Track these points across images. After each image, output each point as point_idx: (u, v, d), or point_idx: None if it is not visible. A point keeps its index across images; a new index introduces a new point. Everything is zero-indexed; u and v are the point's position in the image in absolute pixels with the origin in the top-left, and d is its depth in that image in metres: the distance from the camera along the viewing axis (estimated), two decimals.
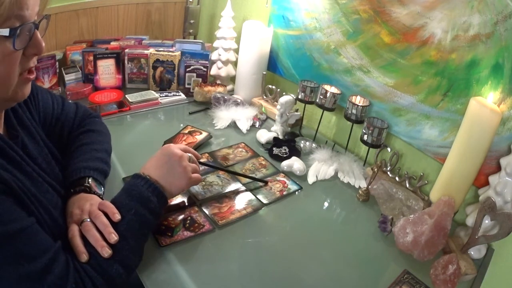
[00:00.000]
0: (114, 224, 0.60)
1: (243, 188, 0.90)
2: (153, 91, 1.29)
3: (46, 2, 0.58)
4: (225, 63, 1.38)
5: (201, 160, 0.83)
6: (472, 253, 0.79)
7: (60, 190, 0.65)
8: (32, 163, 0.60)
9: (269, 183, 0.92)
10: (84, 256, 0.56)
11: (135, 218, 0.62)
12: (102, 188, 0.74)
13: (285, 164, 0.98)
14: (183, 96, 1.31)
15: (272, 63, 1.34)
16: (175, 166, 0.71)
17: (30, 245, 0.50)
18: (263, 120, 1.23)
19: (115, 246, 0.58)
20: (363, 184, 0.97)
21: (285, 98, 1.10)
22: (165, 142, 1.03)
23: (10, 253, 0.48)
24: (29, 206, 0.53)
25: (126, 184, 0.68)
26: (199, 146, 1.04)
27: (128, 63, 1.32)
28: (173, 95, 1.30)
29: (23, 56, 0.53)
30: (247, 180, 0.92)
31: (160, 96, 1.27)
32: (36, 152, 0.64)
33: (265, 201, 0.86)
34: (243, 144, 1.09)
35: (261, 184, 0.91)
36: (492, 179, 0.79)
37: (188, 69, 1.32)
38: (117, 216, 0.60)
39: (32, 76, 0.57)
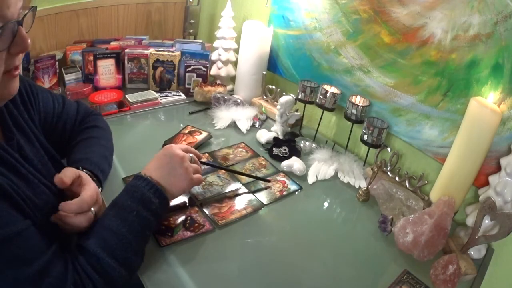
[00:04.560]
0: (116, 225, 0.60)
1: (243, 188, 0.90)
2: (153, 91, 1.29)
3: None
4: (225, 63, 1.38)
5: (203, 160, 0.83)
6: (472, 253, 0.79)
7: (56, 191, 0.65)
8: (28, 165, 0.60)
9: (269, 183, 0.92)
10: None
11: (137, 219, 0.62)
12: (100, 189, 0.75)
13: (285, 164, 0.98)
14: (183, 96, 1.31)
15: (272, 63, 1.34)
16: (176, 167, 0.71)
17: (27, 248, 0.50)
18: (263, 120, 1.23)
19: (118, 248, 0.58)
20: (363, 184, 0.97)
21: (285, 98, 1.10)
22: (165, 142, 1.03)
23: (6, 256, 0.48)
24: (24, 209, 0.53)
25: (128, 185, 0.68)
26: (199, 146, 1.04)
27: (128, 63, 1.32)
28: (173, 95, 1.30)
29: (8, 55, 0.51)
30: (247, 180, 0.92)
31: (160, 96, 1.27)
32: (32, 154, 0.63)
33: (265, 201, 0.86)
34: (243, 144, 1.09)
35: (263, 185, 0.91)
36: (492, 179, 0.79)
37: (188, 69, 1.32)
38: None
39: (17, 73, 0.55)
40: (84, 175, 0.68)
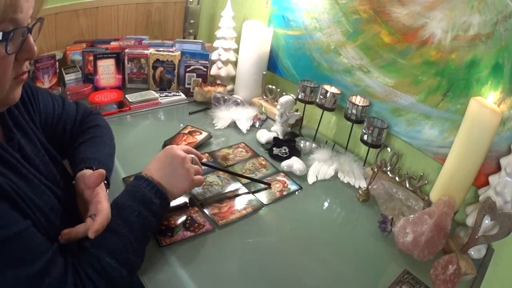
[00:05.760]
0: (117, 225, 0.60)
1: (243, 188, 0.90)
2: (153, 91, 1.29)
3: (40, 5, 0.57)
4: (225, 63, 1.38)
5: (203, 161, 0.83)
6: (472, 253, 0.79)
7: (57, 192, 0.64)
8: (28, 165, 0.60)
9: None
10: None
11: (138, 220, 0.62)
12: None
13: (285, 164, 0.98)
14: (183, 96, 1.31)
15: (272, 63, 1.34)
16: (177, 168, 0.71)
17: (27, 248, 0.50)
18: (263, 120, 1.23)
19: (118, 248, 0.58)
20: (363, 184, 0.97)
21: (285, 98, 1.10)
22: (165, 142, 1.03)
23: (6, 256, 0.48)
24: (24, 209, 0.53)
25: (129, 185, 0.68)
26: (199, 146, 1.04)
27: (128, 63, 1.32)
28: (173, 95, 1.30)
29: (15, 61, 0.52)
30: (247, 180, 0.92)
31: (160, 96, 1.27)
32: (33, 154, 0.63)
33: (265, 201, 0.86)
34: (243, 144, 1.09)
35: (263, 186, 0.91)
36: (492, 179, 0.79)
37: (188, 69, 1.32)
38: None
39: (24, 77, 0.56)
40: (103, 188, 0.66)
